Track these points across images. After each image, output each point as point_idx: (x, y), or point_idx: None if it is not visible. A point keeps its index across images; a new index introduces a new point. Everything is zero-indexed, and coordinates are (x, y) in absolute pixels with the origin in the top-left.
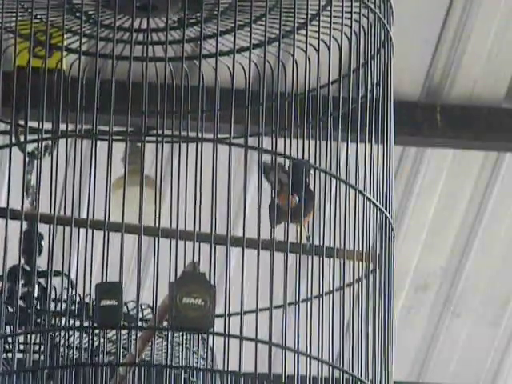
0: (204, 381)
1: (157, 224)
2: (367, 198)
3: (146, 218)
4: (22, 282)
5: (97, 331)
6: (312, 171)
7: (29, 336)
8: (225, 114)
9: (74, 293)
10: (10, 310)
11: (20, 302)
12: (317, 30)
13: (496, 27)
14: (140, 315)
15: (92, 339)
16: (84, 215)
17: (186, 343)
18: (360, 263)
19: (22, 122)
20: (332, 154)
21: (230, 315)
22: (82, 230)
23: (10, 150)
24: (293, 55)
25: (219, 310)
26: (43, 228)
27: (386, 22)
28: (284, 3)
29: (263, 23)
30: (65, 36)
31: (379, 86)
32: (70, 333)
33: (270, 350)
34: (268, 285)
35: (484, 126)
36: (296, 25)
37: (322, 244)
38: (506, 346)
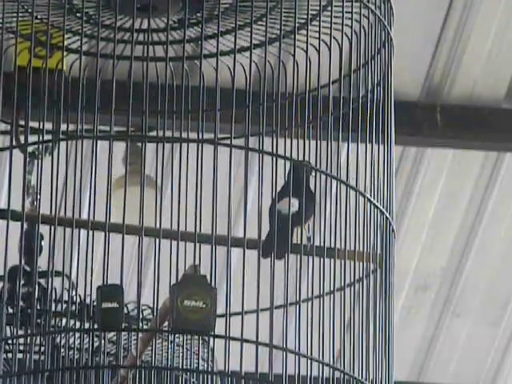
0: (204, 382)
1: (157, 225)
2: (368, 199)
3: (147, 218)
4: (21, 282)
5: (97, 332)
6: (313, 173)
7: (29, 338)
8: (225, 114)
9: (74, 294)
10: (10, 310)
11: (20, 303)
12: (317, 30)
13: (496, 27)
14: (140, 316)
15: (92, 340)
16: (84, 216)
17: (187, 344)
18: (361, 264)
19: (22, 122)
20: (332, 154)
21: (230, 315)
22: (83, 231)
23: (11, 150)
24: (293, 55)
25: (219, 310)
26: (43, 228)
27: (386, 23)
28: (284, 3)
29: (264, 23)
30: (65, 36)
31: (379, 86)
32: (71, 334)
33: (271, 352)
34: (268, 286)
35: (484, 126)
36: (296, 25)
37: (322, 245)
38: (506, 346)
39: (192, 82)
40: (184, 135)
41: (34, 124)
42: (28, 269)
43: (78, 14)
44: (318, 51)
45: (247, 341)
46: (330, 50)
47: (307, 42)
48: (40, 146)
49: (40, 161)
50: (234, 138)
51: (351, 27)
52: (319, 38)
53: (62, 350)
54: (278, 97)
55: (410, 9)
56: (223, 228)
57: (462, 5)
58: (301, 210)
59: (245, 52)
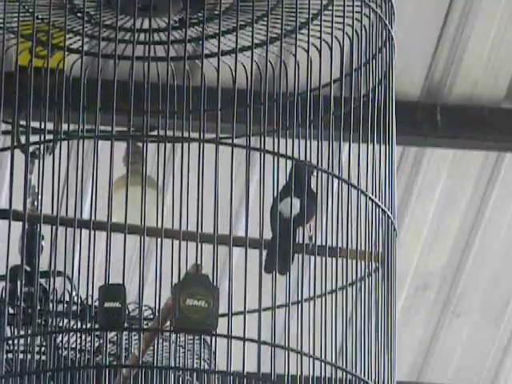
0: (206, 382)
1: (159, 224)
2: (369, 197)
3: (148, 218)
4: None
5: (98, 332)
6: (315, 173)
7: (30, 338)
8: (226, 113)
9: (75, 294)
10: (11, 311)
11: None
12: (318, 29)
13: (496, 27)
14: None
15: (94, 340)
16: (85, 216)
17: (188, 344)
18: (362, 262)
19: (23, 123)
20: (334, 153)
21: (232, 315)
22: (84, 231)
23: (12, 150)
24: (294, 55)
25: (221, 310)
26: (44, 228)
27: (387, 22)
28: (285, 3)
29: (265, 23)
30: (66, 36)
31: (381, 86)
32: (71, 334)
33: (273, 351)
34: (270, 285)
35: (484, 126)
36: (298, 24)
37: (324, 244)
38: (506, 346)
39: (193, 81)
40: (185, 135)
41: (35, 124)
42: (28, 269)
43: (79, 14)
44: (319, 50)
45: (250, 340)
46: (331, 49)
47: (308, 42)
48: (41, 146)
49: (41, 161)
50: (236, 137)
51: (352, 26)
52: (320, 38)
53: (64, 350)
54: (280, 96)
55: (411, 9)
56: (225, 227)
57: (461, 5)
58: (302, 210)
59: (246, 52)
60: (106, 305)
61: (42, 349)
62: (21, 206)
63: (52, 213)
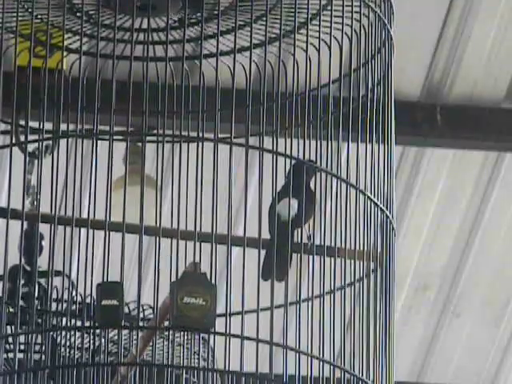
0: (205, 381)
1: (158, 224)
2: (368, 197)
3: (147, 217)
4: (22, 281)
5: (98, 331)
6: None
7: (29, 336)
8: (225, 113)
9: (74, 293)
10: (11, 310)
11: (20, 302)
12: (317, 29)
13: (496, 27)
14: (141, 315)
15: (93, 339)
16: (84, 215)
17: (187, 343)
18: (361, 262)
19: (22, 122)
20: (333, 153)
21: (231, 315)
22: (83, 230)
23: (11, 150)
24: (293, 55)
25: (220, 309)
26: (44, 228)
27: (386, 22)
28: (284, 3)
29: (264, 23)
30: (65, 36)
31: (380, 85)
32: (71, 333)
33: (271, 350)
34: (269, 284)
35: (484, 125)
36: (296, 24)
37: (323, 243)
38: (506, 346)
39: (192, 81)
40: (185, 134)
41: (34, 124)
42: (28, 268)
43: (78, 14)
44: (318, 50)
45: (248, 338)
46: (330, 49)
47: (307, 42)
48: (40, 145)
49: (40, 160)
50: (235, 137)
51: (351, 26)
52: (319, 38)
53: (62, 348)
54: (278, 96)
55: (410, 9)
56: (223, 226)
57: (461, 5)
58: (300, 212)
59: (245, 52)
60: (104, 302)
61: (43, 348)
62: (20, 206)
63: (51, 212)
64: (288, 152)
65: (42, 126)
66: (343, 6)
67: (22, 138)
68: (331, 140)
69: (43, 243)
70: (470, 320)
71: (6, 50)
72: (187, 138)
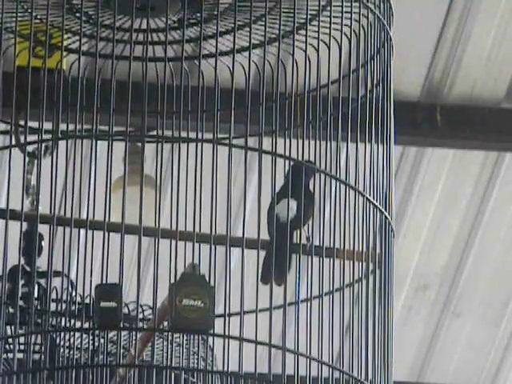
0: (204, 381)
1: (157, 224)
2: (367, 198)
3: (146, 218)
4: (21, 282)
5: (97, 332)
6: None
7: (29, 336)
8: (225, 114)
9: (74, 293)
10: (11, 310)
11: (20, 303)
12: (317, 30)
13: (496, 27)
14: (141, 316)
15: (93, 340)
16: (84, 215)
17: (186, 344)
18: (360, 263)
19: (22, 122)
20: (332, 154)
21: (229, 316)
22: (82, 231)
23: (10, 150)
24: (293, 55)
25: (219, 310)
26: (43, 228)
27: (385, 22)
28: (284, 3)
29: (263, 23)
30: (65, 36)
31: (379, 86)
32: (71, 333)
33: (270, 351)
34: (268, 286)
35: (484, 125)
36: (296, 25)
37: (321, 244)
38: (506, 346)
39: (191, 82)
40: (184, 135)
41: (33, 124)
42: (28, 269)
43: (78, 14)
44: (318, 51)
45: (246, 340)
46: (329, 49)
47: (306, 42)
48: (39, 146)
49: (40, 160)
50: (234, 137)
51: (350, 27)
52: (318, 38)
53: (62, 349)
54: (278, 97)
55: (410, 9)
56: (223, 227)
57: (461, 5)
58: (299, 213)
59: (244, 52)
60: (102, 304)
61: (43, 348)
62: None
63: (50, 212)
64: (287, 153)
65: (41, 126)
66: (342, 7)
67: (22, 139)
68: (330, 141)
69: (43, 243)
70: (469, 320)
71: (6, 50)
72: (186, 139)
